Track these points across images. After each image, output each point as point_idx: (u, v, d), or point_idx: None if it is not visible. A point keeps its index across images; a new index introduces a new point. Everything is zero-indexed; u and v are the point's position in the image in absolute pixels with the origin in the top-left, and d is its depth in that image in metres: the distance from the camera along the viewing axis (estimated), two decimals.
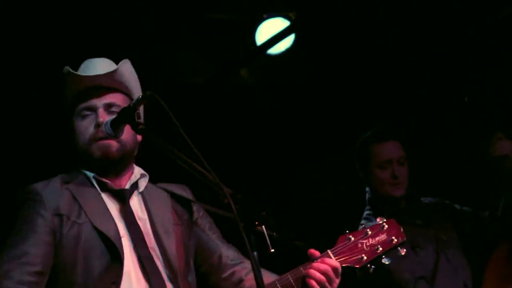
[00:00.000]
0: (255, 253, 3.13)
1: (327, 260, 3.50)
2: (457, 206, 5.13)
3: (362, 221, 5.04)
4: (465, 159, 5.69)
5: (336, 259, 3.52)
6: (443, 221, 5.07)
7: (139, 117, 3.59)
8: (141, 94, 3.50)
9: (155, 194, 3.73)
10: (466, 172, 5.79)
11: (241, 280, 3.70)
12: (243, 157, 6.47)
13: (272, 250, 3.17)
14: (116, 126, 3.50)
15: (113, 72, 3.65)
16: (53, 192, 3.55)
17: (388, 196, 5.00)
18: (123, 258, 3.46)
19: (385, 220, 3.58)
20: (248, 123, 6.50)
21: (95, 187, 3.61)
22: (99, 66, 3.67)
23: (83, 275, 3.42)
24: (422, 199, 5.20)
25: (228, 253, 3.77)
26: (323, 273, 3.47)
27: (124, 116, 3.47)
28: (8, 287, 3.35)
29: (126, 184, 3.67)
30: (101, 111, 3.62)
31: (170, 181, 3.87)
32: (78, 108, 3.66)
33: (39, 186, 3.58)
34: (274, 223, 3.20)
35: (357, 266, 3.51)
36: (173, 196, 3.77)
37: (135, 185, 3.68)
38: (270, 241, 3.18)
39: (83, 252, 3.45)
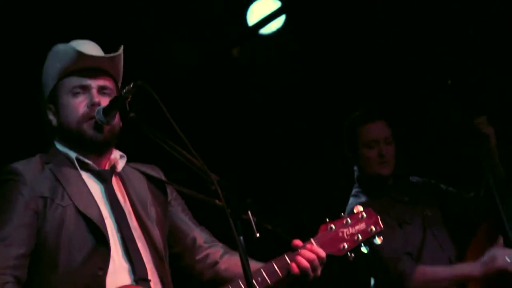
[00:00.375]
0: (241, 237, 3.23)
1: (314, 248, 3.59)
2: (443, 186, 5.26)
3: (351, 199, 5.18)
4: (450, 140, 5.79)
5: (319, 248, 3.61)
6: (429, 200, 5.19)
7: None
8: (131, 83, 3.55)
9: (132, 175, 3.76)
10: (451, 152, 5.90)
11: (216, 263, 3.76)
12: (234, 141, 6.55)
13: (258, 235, 3.28)
14: (107, 113, 3.58)
15: (115, 56, 3.70)
16: (35, 173, 3.54)
17: (376, 174, 5.12)
18: (109, 242, 3.49)
19: (363, 209, 3.67)
20: (239, 104, 6.57)
21: (76, 167, 3.62)
22: (91, 48, 3.70)
23: (67, 258, 3.44)
24: (410, 178, 5.32)
25: (202, 235, 3.81)
26: (309, 261, 3.56)
27: (116, 105, 3.55)
28: None
29: (106, 165, 3.70)
30: (94, 91, 3.65)
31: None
32: (70, 85, 3.66)
33: (20, 166, 3.56)
34: (257, 209, 3.30)
35: (339, 254, 3.61)
36: (148, 177, 3.80)
37: (113, 166, 3.72)
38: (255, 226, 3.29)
39: (67, 236, 3.46)
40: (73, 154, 3.65)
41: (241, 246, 3.21)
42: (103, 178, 3.67)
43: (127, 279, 3.50)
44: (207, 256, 3.77)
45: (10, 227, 3.44)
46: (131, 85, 3.49)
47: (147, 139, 3.50)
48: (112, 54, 3.70)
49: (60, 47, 3.70)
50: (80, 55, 3.63)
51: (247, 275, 3.21)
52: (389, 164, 5.11)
